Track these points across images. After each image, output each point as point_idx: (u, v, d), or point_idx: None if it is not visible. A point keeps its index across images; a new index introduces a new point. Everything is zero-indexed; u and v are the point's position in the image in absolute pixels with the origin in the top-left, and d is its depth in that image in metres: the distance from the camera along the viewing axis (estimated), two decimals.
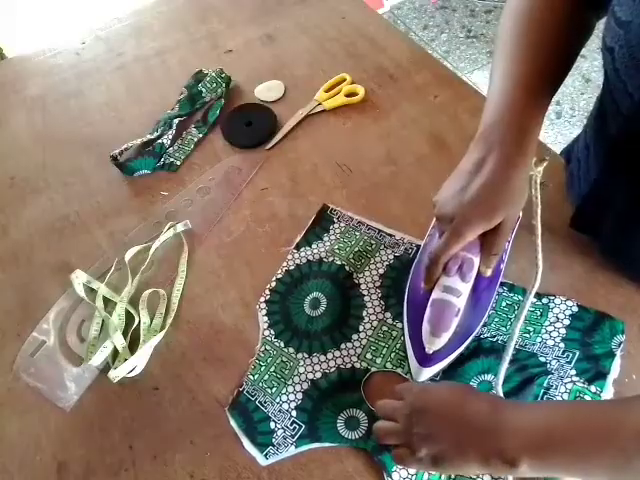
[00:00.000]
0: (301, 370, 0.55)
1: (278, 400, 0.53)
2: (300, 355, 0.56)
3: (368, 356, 0.55)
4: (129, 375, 0.56)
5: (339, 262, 0.62)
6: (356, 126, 0.77)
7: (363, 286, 0.60)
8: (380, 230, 0.64)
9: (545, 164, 0.48)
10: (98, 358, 0.56)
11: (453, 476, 0.47)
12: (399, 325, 0.56)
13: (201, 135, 0.79)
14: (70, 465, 0.52)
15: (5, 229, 0.72)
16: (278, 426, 0.52)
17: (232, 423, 0.52)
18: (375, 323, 0.57)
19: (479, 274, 0.51)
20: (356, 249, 0.63)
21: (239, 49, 0.92)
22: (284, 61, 0.88)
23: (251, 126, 0.78)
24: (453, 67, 2.04)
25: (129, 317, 0.60)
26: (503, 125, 0.47)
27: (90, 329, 0.60)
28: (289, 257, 0.63)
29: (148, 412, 0.54)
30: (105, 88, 0.90)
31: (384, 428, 0.46)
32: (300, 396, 0.53)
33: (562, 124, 1.83)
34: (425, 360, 0.50)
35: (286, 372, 0.55)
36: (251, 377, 0.55)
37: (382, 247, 0.62)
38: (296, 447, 0.50)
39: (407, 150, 0.72)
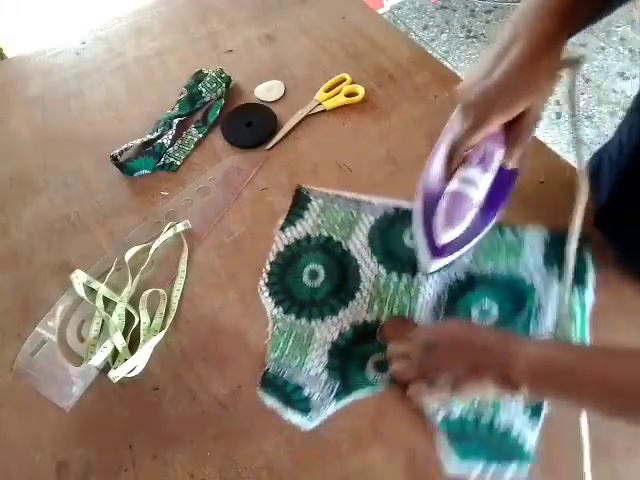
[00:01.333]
0: (318, 335, 0.57)
1: (304, 368, 0.55)
2: (314, 323, 0.58)
3: (375, 308, 0.58)
4: (129, 375, 0.56)
5: (326, 234, 0.65)
6: (356, 126, 0.77)
7: (353, 250, 0.63)
8: (357, 200, 0.67)
9: (582, 63, 0.48)
10: (98, 358, 0.56)
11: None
12: (395, 279, 0.60)
13: (201, 135, 0.79)
14: (70, 465, 0.52)
15: (5, 229, 0.72)
16: (312, 390, 0.54)
17: (268, 402, 0.53)
18: (373, 279, 0.60)
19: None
20: (339, 220, 0.66)
21: (239, 49, 0.92)
22: (284, 61, 0.88)
23: (251, 126, 0.78)
24: (453, 67, 2.04)
25: (129, 317, 0.60)
26: (533, 13, 0.45)
27: (90, 329, 0.60)
28: (277, 239, 0.65)
29: (148, 412, 0.54)
30: (105, 88, 0.90)
31: (401, 366, 0.48)
32: (325, 358, 0.56)
33: (562, 124, 1.82)
34: (435, 252, 0.51)
35: (304, 342, 0.57)
36: (272, 356, 0.56)
37: (363, 214, 0.66)
38: (336, 403, 0.53)
39: (407, 150, 0.72)
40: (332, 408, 0.52)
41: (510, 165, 0.50)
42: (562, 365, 0.40)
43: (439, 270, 0.57)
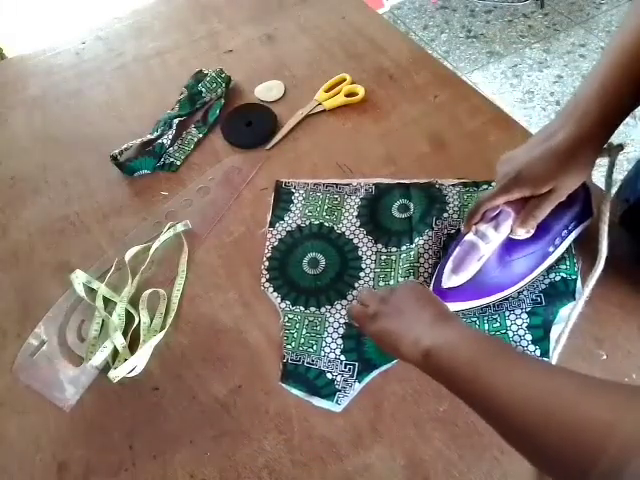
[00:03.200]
0: (331, 320, 0.58)
1: (323, 354, 0.56)
2: (323, 309, 0.59)
3: (381, 284, 0.60)
4: (129, 375, 0.56)
5: (317, 222, 0.66)
6: (356, 126, 0.77)
7: (347, 232, 0.65)
8: (337, 183, 0.69)
9: (621, 151, 0.49)
10: (98, 358, 0.56)
11: None
12: (393, 249, 0.62)
13: (201, 135, 0.79)
14: (70, 465, 0.52)
15: (5, 229, 0.72)
16: (335, 374, 0.54)
17: (293, 392, 0.54)
18: (373, 257, 0.62)
19: (523, 242, 0.53)
20: (325, 207, 0.67)
21: (239, 49, 0.92)
22: (284, 61, 0.88)
23: (251, 126, 0.78)
24: (453, 67, 2.04)
25: (129, 317, 0.60)
26: (586, 103, 0.47)
27: (90, 329, 0.60)
28: (269, 236, 0.66)
29: (148, 412, 0.54)
30: (105, 88, 0.90)
31: (367, 295, 0.49)
32: (340, 341, 0.56)
33: None
34: (439, 294, 0.53)
35: (318, 328, 0.58)
36: (289, 346, 0.57)
37: (346, 196, 0.68)
38: (360, 382, 0.53)
39: (407, 150, 0.72)
40: (357, 388, 0.53)
41: (518, 232, 0.52)
42: (460, 369, 0.37)
43: None
